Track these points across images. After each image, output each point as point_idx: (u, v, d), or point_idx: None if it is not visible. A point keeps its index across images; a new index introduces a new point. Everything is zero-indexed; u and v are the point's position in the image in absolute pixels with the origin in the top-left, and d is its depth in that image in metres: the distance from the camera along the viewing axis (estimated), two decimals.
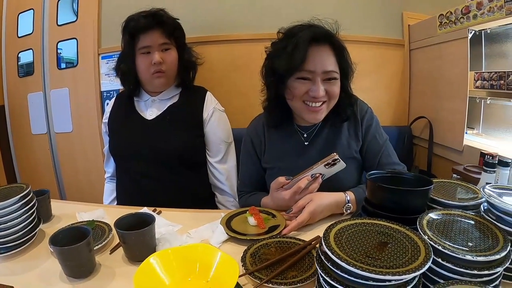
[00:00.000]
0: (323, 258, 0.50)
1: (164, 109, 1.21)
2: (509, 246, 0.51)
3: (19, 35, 1.93)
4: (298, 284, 0.60)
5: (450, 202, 0.67)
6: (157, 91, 1.22)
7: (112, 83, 1.75)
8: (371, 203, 0.67)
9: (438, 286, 0.47)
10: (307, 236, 0.79)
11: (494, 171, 0.85)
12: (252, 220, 0.85)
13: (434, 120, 1.55)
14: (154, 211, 0.96)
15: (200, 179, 1.25)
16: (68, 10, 1.82)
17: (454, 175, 1.13)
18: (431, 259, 0.47)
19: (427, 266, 0.46)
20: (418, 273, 0.45)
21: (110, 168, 1.35)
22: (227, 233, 0.80)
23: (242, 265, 0.66)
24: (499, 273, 0.51)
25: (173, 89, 1.24)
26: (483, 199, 0.65)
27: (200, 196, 1.24)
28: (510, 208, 0.55)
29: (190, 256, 0.65)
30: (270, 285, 0.60)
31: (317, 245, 0.59)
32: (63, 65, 1.86)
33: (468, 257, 0.48)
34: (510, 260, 0.51)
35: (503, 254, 0.50)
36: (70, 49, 1.82)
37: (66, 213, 0.96)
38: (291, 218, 0.85)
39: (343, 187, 0.93)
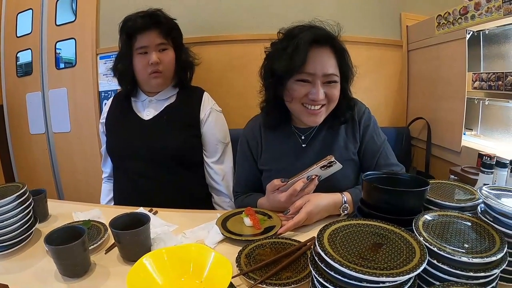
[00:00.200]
0: (316, 259, 0.50)
1: (161, 109, 1.21)
2: (505, 248, 0.51)
3: (17, 35, 1.93)
4: (293, 285, 0.59)
5: (447, 203, 0.67)
6: (154, 91, 1.22)
7: (110, 83, 1.75)
8: (366, 203, 0.67)
9: None
10: (302, 237, 0.79)
11: (492, 172, 0.84)
12: (248, 221, 0.85)
13: (432, 121, 1.55)
14: (150, 211, 0.96)
15: (197, 179, 1.25)
16: (67, 10, 1.82)
17: (451, 176, 1.12)
18: (426, 260, 0.47)
19: (421, 268, 0.45)
20: (412, 274, 0.44)
21: (107, 168, 1.35)
22: (222, 234, 0.79)
23: (237, 266, 0.66)
24: (495, 275, 0.50)
25: (170, 89, 1.24)
26: (480, 200, 0.64)
27: (197, 196, 1.24)
28: (507, 209, 0.55)
29: (184, 256, 0.64)
30: (265, 286, 0.60)
31: (312, 246, 0.59)
32: (61, 65, 1.86)
33: (464, 259, 0.48)
34: (506, 262, 0.51)
35: (499, 256, 0.49)
36: (68, 49, 1.82)
37: (63, 212, 0.96)
38: (288, 219, 0.85)
39: (340, 188, 0.93)
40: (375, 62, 1.70)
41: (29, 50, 1.90)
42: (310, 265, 0.52)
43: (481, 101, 1.38)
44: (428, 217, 0.59)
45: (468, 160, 1.26)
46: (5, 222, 0.74)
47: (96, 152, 1.79)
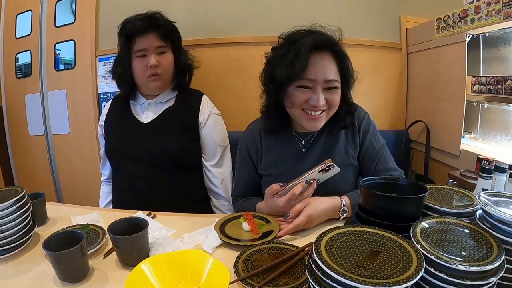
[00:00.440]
0: (313, 267, 0.49)
1: (160, 112, 1.20)
2: (503, 256, 0.51)
3: (17, 36, 1.93)
4: None
5: (445, 209, 0.66)
6: (153, 94, 1.22)
7: (109, 86, 1.74)
8: (364, 209, 0.67)
9: None
10: (301, 242, 0.78)
11: (491, 177, 0.84)
12: (246, 226, 0.84)
13: (431, 124, 1.55)
14: (148, 215, 0.96)
15: (196, 182, 1.25)
16: (66, 12, 1.82)
17: (450, 180, 1.12)
18: (423, 269, 0.47)
19: (418, 277, 0.45)
20: (409, 284, 0.44)
21: (106, 170, 1.34)
22: (220, 239, 0.79)
23: (235, 271, 0.66)
24: (492, 283, 0.50)
25: (169, 92, 1.24)
26: (479, 206, 0.64)
27: (196, 198, 1.24)
28: (505, 216, 0.55)
29: (182, 262, 0.64)
30: None
31: (309, 253, 0.59)
32: (61, 67, 1.86)
33: (461, 267, 0.48)
34: (504, 269, 0.51)
35: (497, 264, 0.49)
36: (68, 50, 1.82)
37: (62, 216, 0.96)
38: (288, 223, 0.84)
39: (340, 192, 0.93)
40: (375, 64, 1.70)
41: (29, 52, 1.90)
42: (307, 273, 0.52)
43: (480, 104, 1.38)
44: (425, 224, 0.59)
45: (467, 163, 1.26)
46: (3, 226, 0.73)
47: (95, 154, 1.79)
